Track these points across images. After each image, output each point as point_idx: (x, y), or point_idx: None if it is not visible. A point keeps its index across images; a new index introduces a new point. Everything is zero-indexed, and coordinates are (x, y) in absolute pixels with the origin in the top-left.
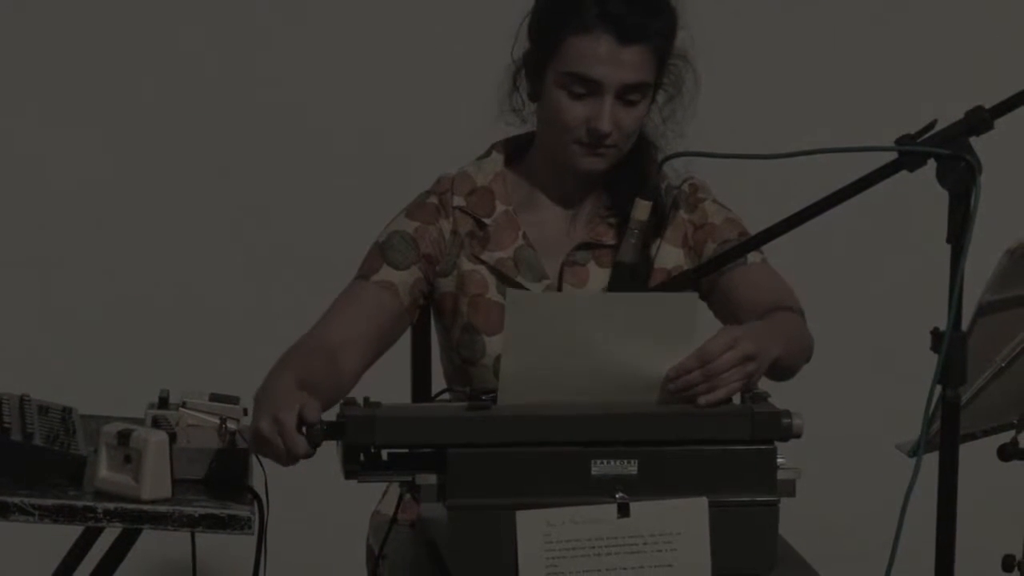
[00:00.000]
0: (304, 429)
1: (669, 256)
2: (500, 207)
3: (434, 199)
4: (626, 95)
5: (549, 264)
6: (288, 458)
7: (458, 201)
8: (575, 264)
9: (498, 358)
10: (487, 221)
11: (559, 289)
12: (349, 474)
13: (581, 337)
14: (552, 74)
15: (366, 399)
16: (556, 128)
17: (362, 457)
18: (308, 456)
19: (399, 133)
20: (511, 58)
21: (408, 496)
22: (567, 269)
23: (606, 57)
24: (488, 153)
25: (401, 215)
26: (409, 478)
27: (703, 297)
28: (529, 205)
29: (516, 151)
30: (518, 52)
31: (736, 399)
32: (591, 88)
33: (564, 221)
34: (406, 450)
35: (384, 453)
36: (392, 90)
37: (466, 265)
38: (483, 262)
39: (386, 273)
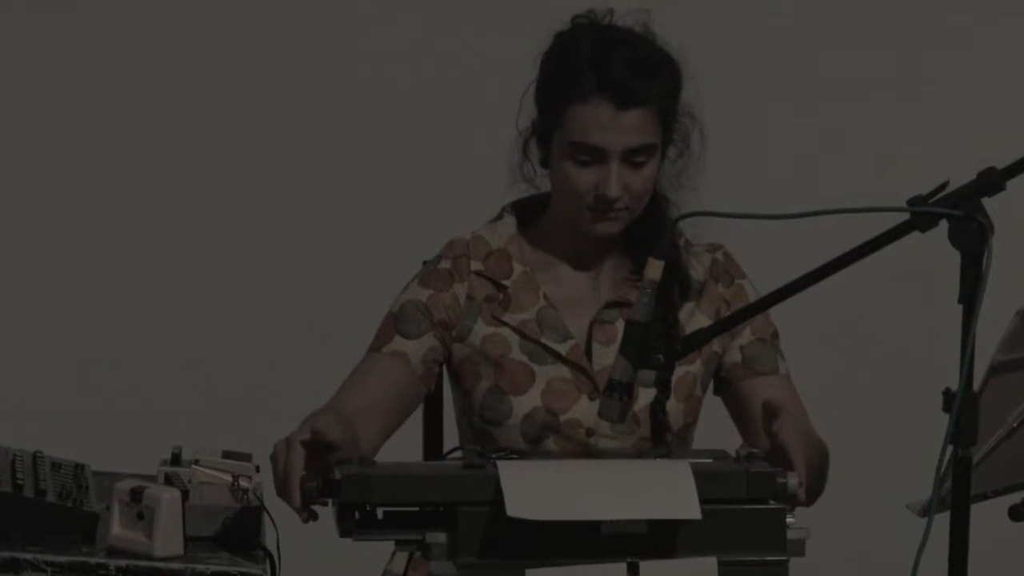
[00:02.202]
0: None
1: (701, 327)
2: (518, 268)
3: (447, 264)
4: (632, 158)
5: (573, 324)
6: (282, 485)
7: (476, 266)
8: (604, 322)
9: (525, 418)
10: (506, 283)
11: (587, 348)
12: (344, 533)
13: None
14: (557, 144)
15: (360, 457)
16: (567, 196)
17: (357, 515)
18: (301, 509)
19: (415, 196)
20: (516, 128)
21: (418, 555)
22: (596, 327)
23: (607, 124)
24: (500, 216)
25: (414, 283)
26: (403, 536)
27: (720, 391)
28: (546, 266)
29: (527, 212)
30: (523, 122)
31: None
32: (596, 155)
33: (586, 282)
34: (401, 508)
35: (380, 511)
36: (407, 148)
37: (485, 329)
38: (505, 323)
39: (398, 343)
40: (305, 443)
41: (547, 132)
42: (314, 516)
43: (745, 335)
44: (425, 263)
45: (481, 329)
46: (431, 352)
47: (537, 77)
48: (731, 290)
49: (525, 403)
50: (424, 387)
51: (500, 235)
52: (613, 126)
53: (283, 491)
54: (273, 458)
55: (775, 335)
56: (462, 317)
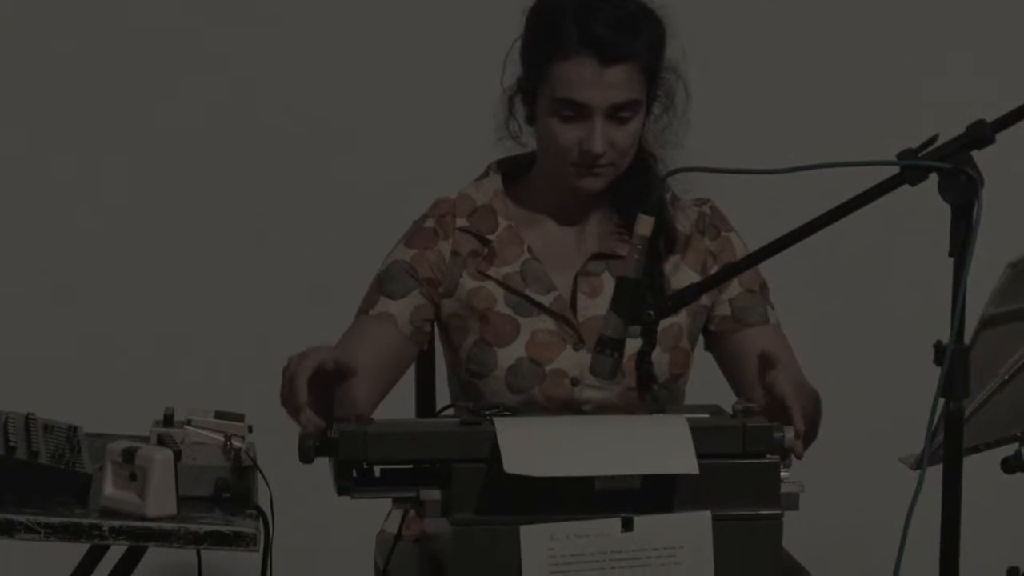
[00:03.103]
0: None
1: (686, 279)
2: (503, 223)
3: (431, 222)
4: (617, 114)
5: (558, 276)
6: (288, 385)
7: (461, 223)
8: (589, 274)
9: (510, 369)
10: (491, 237)
11: (572, 299)
12: (341, 491)
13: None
14: (542, 100)
15: (358, 415)
16: (552, 152)
17: (355, 473)
18: (299, 411)
19: (403, 153)
20: (501, 86)
21: (413, 512)
22: (581, 279)
23: (591, 80)
24: (485, 173)
25: (399, 244)
26: (401, 494)
27: (711, 346)
28: (531, 221)
29: (513, 170)
30: (508, 80)
31: (728, 409)
32: (580, 111)
33: (571, 236)
34: (398, 466)
35: (377, 469)
36: (396, 109)
37: (470, 283)
38: (489, 277)
39: (383, 305)
40: (320, 362)
41: (532, 88)
42: (319, 426)
43: (733, 287)
44: (415, 223)
45: (467, 283)
46: (418, 311)
47: (522, 34)
48: (717, 243)
49: (510, 354)
50: (415, 346)
51: (484, 192)
52: (597, 82)
53: (288, 393)
54: (285, 369)
55: (763, 286)
56: (448, 273)
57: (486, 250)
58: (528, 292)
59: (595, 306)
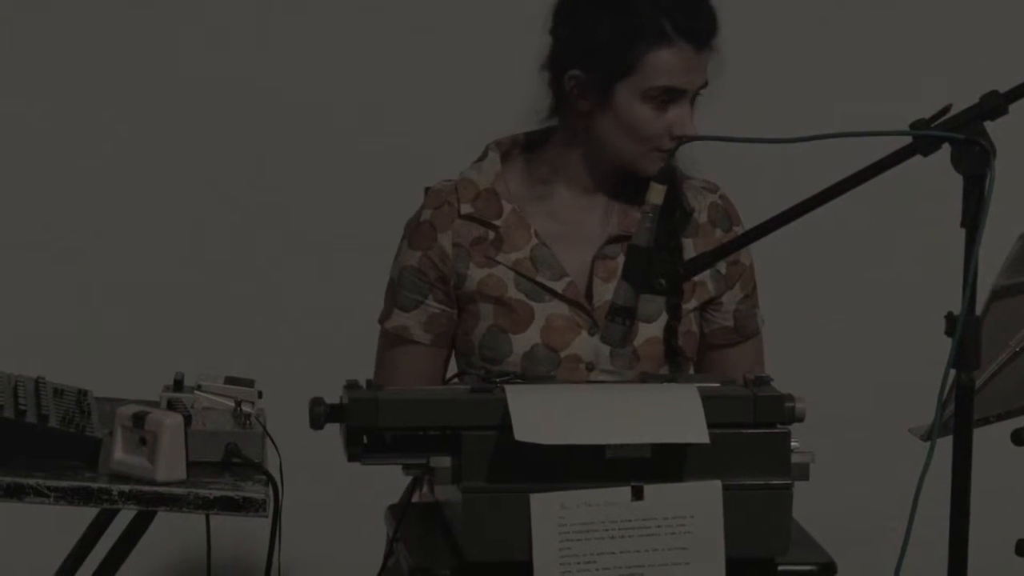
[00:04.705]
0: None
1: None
2: (507, 207)
3: (428, 214)
4: (696, 95)
5: (570, 260)
6: None
7: (466, 209)
8: (606, 258)
9: (525, 355)
10: (497, 223)
11: (588, 283)
12: (352, 457)
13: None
14: (628, 89)
15: (368, 381)
16: (634, 139)
17: (365, 439)
18: None
19: (407, 123)
20: (552, 80)
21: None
22: (598, 263)
23: (690, 66)
24: (484, 154)
25: (404, 245)
26: (411, 460)
27: (701, 349)
28: (538, 202)
29: (512, 149)
30: (543, 76)
31: (740, 381)
32: (674, 96)
33: (588, 217)
34: (409, 432)
35: (387, 436)
36: (401, 81)
37: (479, 272)
38: (499, 263)
39: (397, 317)
40: None
41: (609, 80)
42: None
43: (736, 293)
44: (426, 190)
45: (475, 273)
46: (433, 320)
47: (586, 30)
48: (729, 237)
49: (525, 341)
50: (445, 350)
51: (486, 174)
52: (694, 67)
53: None
54: None
55: (755, 287)
56: (453, 266)
57: (492, 235)
58: (539, 279)
59: (610, 291)
